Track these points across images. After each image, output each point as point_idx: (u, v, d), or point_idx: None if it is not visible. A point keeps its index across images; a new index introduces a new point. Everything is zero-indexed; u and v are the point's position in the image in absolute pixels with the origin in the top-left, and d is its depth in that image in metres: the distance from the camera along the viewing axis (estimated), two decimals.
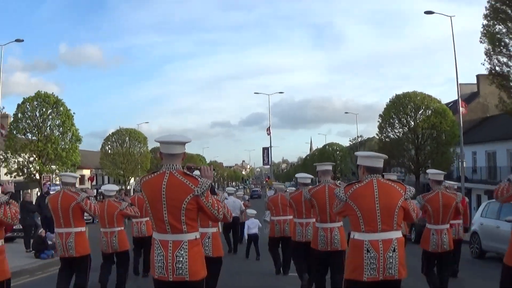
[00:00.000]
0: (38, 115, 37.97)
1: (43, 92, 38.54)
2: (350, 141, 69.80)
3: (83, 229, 8.25)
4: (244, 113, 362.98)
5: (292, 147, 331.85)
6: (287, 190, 11.84)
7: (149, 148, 64.02)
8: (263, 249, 14.46)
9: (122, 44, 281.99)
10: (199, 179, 4.72)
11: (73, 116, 39.29)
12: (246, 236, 16.59)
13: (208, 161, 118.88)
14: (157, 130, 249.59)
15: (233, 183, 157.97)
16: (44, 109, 37.94)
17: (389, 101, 42.72)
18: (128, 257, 10.34)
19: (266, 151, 67.52)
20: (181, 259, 4.67)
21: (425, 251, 8.67)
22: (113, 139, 59.92)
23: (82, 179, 61.52)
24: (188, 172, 4.84)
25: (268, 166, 73.69)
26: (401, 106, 41.55)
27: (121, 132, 60.14)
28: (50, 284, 7.60)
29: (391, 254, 5.06)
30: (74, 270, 8.30)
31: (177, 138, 4.88)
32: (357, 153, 5.71)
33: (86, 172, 63.16)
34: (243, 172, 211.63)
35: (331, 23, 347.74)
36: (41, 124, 37.87)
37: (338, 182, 8.55)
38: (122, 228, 10.00)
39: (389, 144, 42.46)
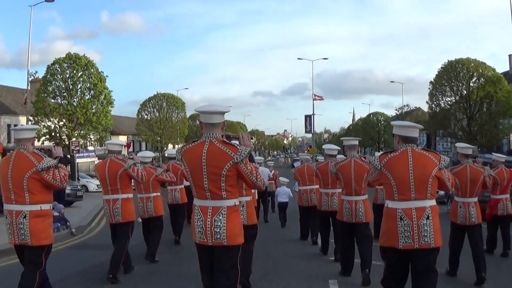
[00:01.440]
0: (68, 77, 36.44)
1: (73, 54, 36.96)
2: (396, 110, 66.68)
3: (130, 195, 8.40)
4: (286, 82, 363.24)
5: (334, 117, 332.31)
6: (318, 160, 12.66)
7: (188, 115, 62.49)
8: (291, 217, 15.32)
9: (164, 13, 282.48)
10: (238, 147, 4.81)
11: (105, 78, 37.70)
12: (276, 204, 17.07)
13: (249, 129, 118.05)
14: (199, 99, 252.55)
15: (274, 151, 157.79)
16: (74, 71, 36.40)
17: (441, 67, 39.85)
18: (162, 223, 10.39)
19: (308, 118, 65.44)
20: (219, 223, 4.77)
21: (453, 223, 8.61)
22: (150, 105, 58.21)
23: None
24: (227, 141, 4.92)
25: (310, 135, 71.89)
26: (453, 73, 38.65)
27: (158, 97, 58.32)
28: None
29: (425, 222, 5.13)
30: (117, 235, 8.45)
31: (216, 108, 4.96)
32: (393, 123, 5.72)
33: (123, 138, 61.78)
34: (285, 141, 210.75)
35: None
36: (71, 87, 36.37)
37: (363, 156, 8.64)
38: (158, 194, 10.19)
39: (440, 113, 39.88)
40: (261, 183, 5.05)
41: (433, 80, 40.37)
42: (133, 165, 8.26)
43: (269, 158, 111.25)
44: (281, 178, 17.56)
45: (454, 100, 39.56)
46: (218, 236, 4.76)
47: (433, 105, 40.87)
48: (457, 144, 9.19)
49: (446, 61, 39.46)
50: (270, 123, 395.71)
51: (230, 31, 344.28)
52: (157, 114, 58.01)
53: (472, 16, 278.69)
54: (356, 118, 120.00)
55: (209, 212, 4.81)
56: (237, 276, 4.92)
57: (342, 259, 8.60)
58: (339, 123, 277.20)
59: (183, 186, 12.31)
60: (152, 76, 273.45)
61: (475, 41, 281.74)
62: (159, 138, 56.83)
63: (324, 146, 10.37)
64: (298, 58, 61.72)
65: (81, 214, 18.72)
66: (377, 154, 7.43)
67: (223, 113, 4.96)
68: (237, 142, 5.13)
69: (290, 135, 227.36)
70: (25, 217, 5.77)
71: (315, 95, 60.24)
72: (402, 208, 5.19)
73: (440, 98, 40.26)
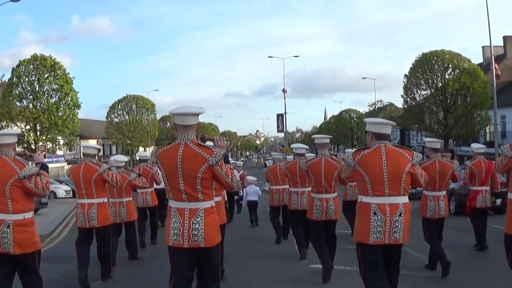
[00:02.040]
0: (33, 80, 35.16)
1: (39, 55, 35.70)
2: (369, 106, 66.16)
3: (105, 199, 8.42)
4: (256, 83, 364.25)
5: (306, 116, 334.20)
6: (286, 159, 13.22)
7: (158, 117, 61.58)
8: (263, 217, 15.13)
9: (135, 15, 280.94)
10: (213, 149, 4.85)
11: (72, 80, 36.44)
12: (243, 204, 17.02)
13: (221, 130, 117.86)
14: (170, 101, 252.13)
15: (247, 152, 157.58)
16: (40, 73, 35.11)
17: (415, 60, 39.14)
18: (134, 226, 10.49)
19: (280, 117, 64.45)
20: (197, 226, 4.81)
21: (424, 219, 8.74)
22: (120, 107, 57.03)
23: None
24: (202, 143, 4.95)
25: (282, 134, 71.20)
26: (428, 65, 37.95)
27: (128, 100, 57.20)
28: None
29: (397, 218, 5.22)
30: (97, 240, 8.42)
31: (190, 109, 5.00)
32: (366, 120, 5.82)
33: (93, 142, 60.42)
34: (257, 142, 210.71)
35: None
36: (37, 89, 35.17)
37: (334, 155, 8.55)
38: (130, 198, 10.19)
39: (416, 106, 39.19)
40: (236, 184, 5.22)
41: (407, 73, 39.71)
42: (107, 169, 8.24)
43: (242, 159, 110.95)
44: (248, 177, 17.58)
45: (429, 93, 38.81)
46: (196, 239, 4.79)
47: (408, 99, 40.10)
48: (426, 139, 9.45)
49: (421, 53, 38.90)
50: (242, 124, 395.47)
51: (199, 33, 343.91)
52: (127, 117, 56.83)
53: (441, 11, 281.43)
54: (328, 116, 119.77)
55: (186, 214, 4.82)
56: (219, 275, 5.07)
57: (320, 256, 8.35)
58: (311, 122, 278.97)
59: (153, 189, 12.37)
60: (123, 79, 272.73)
61: (445, 36, 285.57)
62: (129, 141, 55.55)
63: (293, 145, 10.61)
64: (269, 57, 61.37)
65: (43, 223, 17.42)
66: (349, 151, 8.25)
67: (197, 114, 4.98)
68: (211, 144, 5.22)
69: (262, 135, 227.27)
70: (8, 226, 5.65)
71: (282, 90, 59.66)
72: (376, 203, 5.25)
73: (415, 92, 39.65)
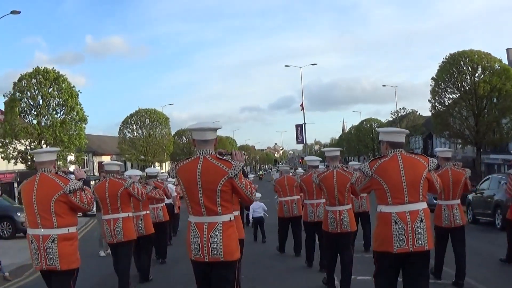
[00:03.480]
0: (35, 94, 33.14)
1: (42, 68, 33.69)
2: (391, 114, 63.38)
3: (130, 214, 8.59)
4: (272, 97, 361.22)
5: (323, 128, 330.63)
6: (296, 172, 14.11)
7: (173, 132, 59.70)
8: (271, 230, 14.97)
9: (149, 34, 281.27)
10: (232, 162, 4.92)
11: (77, 93, 34.38)
12: (251, 220, 16.49)
13: (239, 144, 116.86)
14: (187, 117, 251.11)
15: (266, 165, 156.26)
16: (43, 86, 33.04)
17: (442, 61, 36.38)
18: (152, 241, 10.45)
19: (299, 128, 62.51)
20: (216, 239, 4.83)
21: (437, 227, 8.66)
22: (132, 121, 54.99)
23: (102, 166, 57.29)
24: (220, 157, 5.02)
25: (301, 146, 69.08)
26: (456, 66, 35.19)
27: (140, 114, 55.10)
28: None
29: (418, 225, 5.23)
30: (119, 254, 8.51)
31: (208, 125, 5.15)
32: (379, 129, 5.87)
33: (106, 159, 58.70)
34: (276, 155, 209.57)
35: (356, 4, 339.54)
36: (41, 104, 33.14)
37: (345, 166, 8.65)
38: (148, 212, 10.25)
39: (444, 112, 36.39)
40: (255, 197, 5.32)
41: (434, 76, 36.90)
42: (133, 184, 8.48)
43: (261, 172, 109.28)
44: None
45: (458, 97, 35.92)
46: (215, 252, 4.82)
47: (436, 104, 37.16)
48: (436, 149, 9.50)
49: (448, 54, 36.17)
50: (260, 138, 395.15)
51: (215, 49, 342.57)
52: (140, 131, 54.83)
53: (455, 20, 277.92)
54: (347, 128, 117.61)
55: (205, 228, 4.88)
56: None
57: (328, 270, 8.61)
58: (329, 134, 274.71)
59: (164, 204, 12.11)
60: (139, 97, 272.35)
61: (460, 44, 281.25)
62: (143, 157, 53.37)
63: (306, 158, 11.14)
64: (286, 65, 59.12)
65: (22, 251, 14.90)
66: (352, 163, 8.85)
67: (215, 129, 5.11)
68: (229, 158, 5.21)
69: (281, 148, 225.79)
70: (53, 241, 5.71)
71: (301, 104, 57.81)
72: (396, 212, 5.27)
73: (443, 95, 36.80)
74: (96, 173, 50.48)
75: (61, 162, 34.15)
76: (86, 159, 55.54)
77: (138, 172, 10.89)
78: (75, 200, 5.76)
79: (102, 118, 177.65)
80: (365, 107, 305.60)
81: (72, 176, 6.18)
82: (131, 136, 54.87)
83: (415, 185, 5.30)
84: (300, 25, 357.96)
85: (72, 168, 41.19)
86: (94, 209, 8.09)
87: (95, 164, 57.15)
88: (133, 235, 8.61)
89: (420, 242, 5.22)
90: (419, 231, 5.22)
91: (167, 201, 12.70)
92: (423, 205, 5.34)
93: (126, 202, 8.48)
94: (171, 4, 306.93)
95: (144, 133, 54.59)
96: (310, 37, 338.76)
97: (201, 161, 4.91)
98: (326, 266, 8.77)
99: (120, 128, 55.16)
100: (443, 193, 8.49)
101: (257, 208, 15.89)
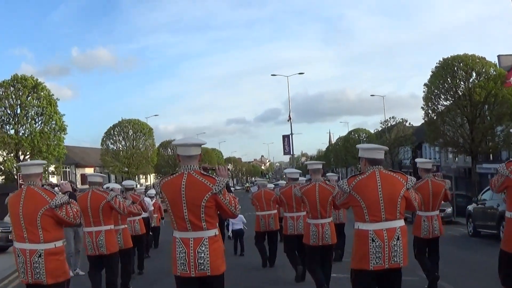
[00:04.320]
0: (13, 103, 31.73)
1: (20, 75, 32.25)
2: (381, 123, 61.99)
3: (112, 227, 8.67)
4: (258, 108, 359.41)
5: (310, 140, 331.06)
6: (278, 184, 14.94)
7: (158, 143, 58.33)
8: (249, 243, 14.89)
9: (135, 45, 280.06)
10: (216, 178, 5.05)
11: (56, 102, 32.95)
12: (230, 233, 16.79)
13: (225, 156, 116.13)
14: (173, 129, 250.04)
15: (252, 178, 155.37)
16: (21, 94, 31.66)
17: (435, 67, 34.96)
18: (130, 254, 10.41)
19: (286, 139, 61.57)
20: (203, 255, 4.93)
21: (416, 237, 8.85)
22: (115, 132, 53.30)
23: (84, 178, 55.96)
24: (205, 172, 5.16)
25: (288, 158, 67.89)
26: (449, 71, 33.81)
27: (123, 124, 53.47)
28: None
29: (395, 242, 5.31)
30: (105, 267, 8.62)
31: (193, 140, 5.25)
32: (358, 146, 5.97)
33: (89, 171, 57.15)
34: (262, 167, 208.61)
35: (341, 16, 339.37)
36: (18, 112, 31.70)
37: (327, 180, 8.86)
38: (126, 226, 10.28)
39: (439, 119, 34.94)
40: (238, 212, 5.67)
41: (427, 82, 35.55)
42: (115, 197, 8.47)
43: (247, 184, 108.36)
44: None
45: (451, 103, 34.50)
46: (202, 267, 4.93)
47: (429, 111, 35.75)
48: (417, 160, 9.53)
49: (441, 59, 34.82)
50: (247, 150, 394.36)
51: (201, 60, 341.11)
52: (123, 143, 53.18)
53: (438, 30, 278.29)
54: (334, 139, 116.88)
55: (191, 243, 4.95)
56: None
57: (315, 279, 8.58)
58: (315, 146, 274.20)
59: (141, 218, 12.28)
60: (126, 109, 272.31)
61: (446, 54, 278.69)
62: (126, 169, 51.77)
63: (286, 170, 11.39)
64: (272, 75, 59.56)
65: (6, 264, 14.59)
66: (330, 175, 9.36)
67: (199, 145, 5.21)
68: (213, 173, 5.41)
69: (267, 160, 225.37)
70: (40, 256, 5.72)
71: (288, 115, 56.85)
72: (374, 230, 5.33)
73: (436, 102, 35.40)
74: (80, 186, 48.95)
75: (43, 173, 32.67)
76: (69, 171, 54.15)
77: (117, 186, 10.82)
78: (61, 215, 5.79)
79: (89, 131, 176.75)
80: (351, 119, 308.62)
81: (57, 189, 6.24)
82: (114, 148, 53.21)
83: (392, 202, 5.35)
84: (286, 37, 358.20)
85: (54, 180, 39.84)
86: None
87: (78, 176, 55.69)
88: (116, 248, 8.68)
89: (396, 259, 5.32)
90: (396, 248, 5.29)
91: (144, 214, 12.94)
92: (400, 223, 5.40)
93: (108, 215, 8.53)
94: (158, 16, 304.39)
95: (128, 144, 53.06)
96: (297, 48, 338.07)
97: (185, 176, 5.02)
98: (315, 281, 8.74)
99: (102, 139, 53.31)
100: (423, 205, 8.55)
101: (237, 221, 15.80)
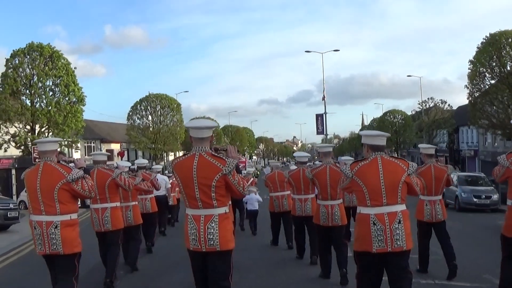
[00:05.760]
0: (28, 72, 29.97)
1: (36, 43, 30.60)
2: (418, 103, 58.98)
3: (118, 204, 8.88)
4: (291, 90, 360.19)
5: (341, 123, 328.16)
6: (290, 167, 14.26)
7: (186, 121, 56.01)
8: (264, 224, 15.21)
9: (168, 25, 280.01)
10: (226, 159, 5.23)
11: (73, 71, 31.33)
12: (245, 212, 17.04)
13: (256, 136, 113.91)
14: (205, 109, 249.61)
15: (284, 158, 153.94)
16: (36, 63, 29.94)
17: (481, 42, 32.60)
18: (140, 231, 10.62)
19: (320, 118, 58.94)
20: (212, 231, 5.16)
21: (419, 221, 8.99)
22: (142, 107, 51.64)
23: (110, 154, 54.46)
24: (215, 154, 5.35)
25: (321, 138, 65.56)
26: (495, 49, 31.37)
27: (151, 99, 51.76)
28: None
29: (397, 226, 5.40)
30: (108, 243, 8.79)
31: (205, 123, 5.48)
32: (361, 132, 6.16)
33: (115, 146, 55.82)
34: (294, 148, 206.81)
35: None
36: (33, 83, 29.91)
37: (337, 163, 8.97)
38: (136, 203, 10.39)
39: (484, 98, 32.42)
40: (247, 193, 6.42)
41: (473, 59, 32.96)
42: (120, 174, 8.71)
43: (280, 164, 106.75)
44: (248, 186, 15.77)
45: (497, 81, 32.01)
46: (212, 243, 5.15)
47: (474, 90, 33.26)
48: (420, 145, 9.84)
49: (488, 34, 32.29)
50: (279, 130, 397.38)
51: (234, 41, 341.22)
52: (150, 118, 51.54)
53: (475, 16, 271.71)
54: (366, 121, 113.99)
55: (202, 220, 5.18)
56: (230, 278, 5.35)
57: (321, 262, 8.93)
58: (347, 128, 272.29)
59: (153, 196, 12.44)
60: (158, 88, 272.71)
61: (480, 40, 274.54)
62: (152, 145, 50.14)
63: (295, 154, 11.44)
64: (306, 51, 55.48)
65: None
66: (345, 158, 10.81)
67: (211, 128, 5.38)
68: (224, 154, 5.90)
69: (299, 141, 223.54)
70: (56, 227, 5.99)
71: (323, 95, 54.81)
72: (375, 214, 5.44)
73: (481, 81, 32.86)
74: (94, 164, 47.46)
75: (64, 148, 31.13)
76: (94, 146, 52.71)
77: (127, 163, 11.18)
78: (77, 188, 6.06)
79: (119, 108, 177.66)
80: (382, 102, 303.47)
81: (72, 165, 6.44)
82: (141, 123, 51.55)
83: (393, 188, 5.45)
84: (319, 19, 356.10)
85: (77, 155, 38.38)
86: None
87: (104, 152, 54.16)
88: (121, 224, 8.89)
89: (399, 243, 5.38)
90: (397, 232, 5.37)
91: (160, 193, 13.98)
92: (401, 207, 5.50)
93: (114, 192, 8.74)
94: None
95: (155, 119, 51.40)
96: (329, 31, 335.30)
97: (197, 158, 5.23)
98: (319, 261, 9.12)
99: (128, 114, 51.66)
100: (426, 189, 8.70)
101: (252, 201, 16.04)
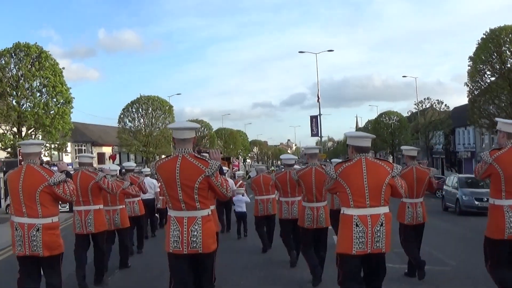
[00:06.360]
0: (15, 72, 29.11)
1: (23, 43, 29.71)
2: (415, 104, 58.34)
3: (101, 206, 8.86)
4: (284, 93, 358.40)
5: (336, 125, 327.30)
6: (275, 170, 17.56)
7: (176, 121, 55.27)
8: (251, 227, 14.90)
9: (163, 28, 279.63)
10: (209, 161, 5.25)
11: (61, 71, 30.40)
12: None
13: (250, 139, 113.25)
14: (199, 112, 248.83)
15: (278, 161, 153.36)
16: (23, 63, 29.05)
17: (481, 38, 31.82)
18: (127, 234, 10.68)
19: (314, 120, 57.64)
20: (196, 233, 5.16)
21: (401, 224, 8.95)
22: (133, 109, 50.77)
23: (101, 157, 53.69)
24: (198, 155, 5.36)
25: (316, 139, 64.79)
26: (495, 43, 30.66)
27: (142, 101, 50.86)
28: None
29: (378, 228, 5.42)
30: (94, 245, 8.86)
31: (187, 124, 5.52)
32: (346, 133, 6.19)
33: (107, 150, 54.96)
34: (288, 151, 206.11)
35: (370, 0, 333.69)
36: (19, 83, 29.00)
37: (323, 164, 8.83)
38: (124, 206, 10.46)
39: (485, 95, 31.58)
40: (231, 194, 5.85)
41: (472, 55, 32.22)
42: (103, 177, 8.64)
43: (272, 167, 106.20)
44: (236, 188, 16.99)
45: (497, 78, 31.22)
46: (195, 245, 5.15)
47: (474, 88, 32.43)
48: (402, 147, 9.63)
49: (488, 30, 31.59)
50: (273, 133, 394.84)
51: (229, 44, 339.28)
52: (142, 120, 50.68)
53: (468, 18, 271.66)
54: (360, 123, 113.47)
55: (185, 222, 5.18)
56: (213, 280, 5.49)
57: (306, 258, 8.78)
58: (341, 131, 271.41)
59: (140, 199, 12.42)
60: (152, 91, 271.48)
61: (473, 42, 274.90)
62: (144, 148, 49.23)
63: (282, 156, 11.25)
64: (300, 52, 54.51)
65: None
66: (334, 160, 9.39)
67: (193, 129, 5.42)
68: (207, 156, 5.61)
69: (294, 144, 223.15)
70: (38, 230, 6.02)
71: (317, 95, 53.67)
72: (358, 215, 5.44)
73: (482, 78, 31.99)
74: (97, 165, 46.58)
75: (46, 152, 30.16)
76: (84, 149, 51.76)
77: (116, 167, 11.02)
78: (59, 192, 6.11)
79: (112, 112, 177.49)
80: (377, 104, 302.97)
81: (55, 168, 6.55)
82: (132, 126, 50.75)
83: (377, 190, 5.47)
84: (313, 21, 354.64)
85: (68, 159, 37.47)
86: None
87: (94, 155, 53.35)
88: (104, 227, 8.85)
89: (378, 245, 5.43)
90: (379, 234, 5.40)
91: (148, 196, 14.14)
92: (384, 210, 5.52)
93: (97, 195, 8.69)
94: None
95: (146, 122, 50.58)
96: (324, 33, 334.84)
97: (179, 159, 5.22)
98: (308, 263, 8.91)
99: (120, 116, 50.85)
100: (407, 191, 8.15)
101: (238, 203, 15.77)
